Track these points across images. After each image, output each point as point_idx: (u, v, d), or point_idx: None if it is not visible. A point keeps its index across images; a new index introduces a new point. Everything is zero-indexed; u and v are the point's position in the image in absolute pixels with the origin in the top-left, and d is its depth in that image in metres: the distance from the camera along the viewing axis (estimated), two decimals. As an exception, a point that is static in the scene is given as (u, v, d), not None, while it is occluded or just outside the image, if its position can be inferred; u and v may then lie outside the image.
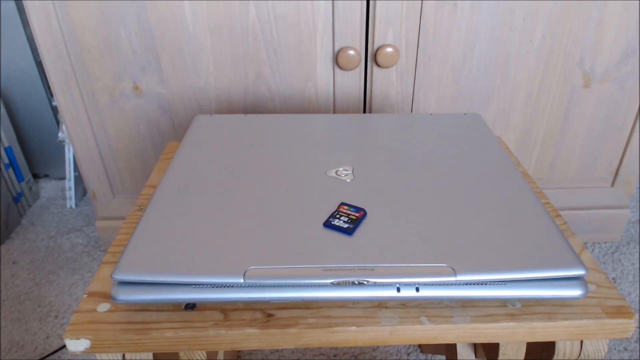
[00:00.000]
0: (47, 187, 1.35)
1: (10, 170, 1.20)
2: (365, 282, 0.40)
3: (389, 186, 0.51)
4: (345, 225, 0.45)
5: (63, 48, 0.83)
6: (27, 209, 1.25)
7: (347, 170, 0.54)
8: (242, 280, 0.40)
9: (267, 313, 0.42)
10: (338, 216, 0.46)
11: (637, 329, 0.87)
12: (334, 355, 0.84)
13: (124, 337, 0.41)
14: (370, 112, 0.91)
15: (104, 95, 0.88)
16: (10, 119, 1.26)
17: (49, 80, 0.86)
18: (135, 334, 0.41)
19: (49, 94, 1.25)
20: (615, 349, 0.85)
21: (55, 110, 1.28)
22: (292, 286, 0.41)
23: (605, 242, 1.09)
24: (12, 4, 1.13)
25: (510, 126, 0.94)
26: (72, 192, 1.26)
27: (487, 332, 0.42)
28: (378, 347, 0.86)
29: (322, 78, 0.87)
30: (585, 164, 0.99)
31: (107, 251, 0.50)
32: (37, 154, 1.34)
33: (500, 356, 0.52)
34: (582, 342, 0.45)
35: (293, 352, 0.85)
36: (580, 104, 0.92)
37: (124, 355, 0.44)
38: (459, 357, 0.72)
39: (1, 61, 1.19)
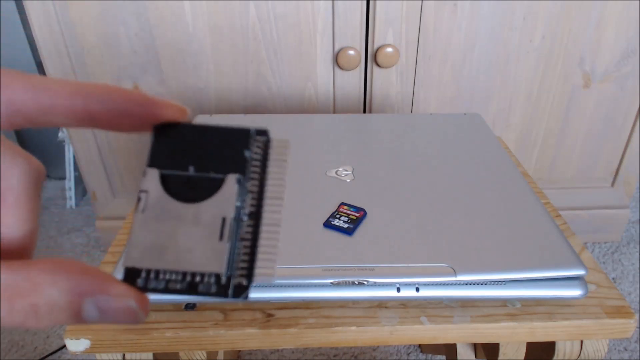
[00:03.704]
0: (47, 187, 1.35)
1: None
2: (365, 282, 0.40)
3: (389, 186, 0.51)
4: (345, 225, 0.45)
5: (63, 48, 0.83)
6: (27, 209, 1.25)
7: (347, 170, 0.54)
8: (242, 280, 0.40)
9: (267, 313, 0.42)
10: (338, 216, 0.46)
11: (637, 329, 0.87)
12: (334, 355, 0.84)
13: (124, 337, 0.41)
14: (370, 112, 0.91)
15: (104, 95, 0.88)
16: (10, 119, 1.26)
17: (49, 80, 0.86)
18: (135, 334, 0.41)
19: (49, 94, 1.25)
20: (615, 349, 0.85)
21: (55, 110, 1.28)
22: (292, 286, 0.41)
23: (605, 242, 1.09)
24: (12, 4, 1.13)
25: (510, 126, 0.94)
26: (72, 192, 1.25)
27: (487, 332, 0.42)
28: (378, 347, 0.86)
29: (322, 78, 0.87)
30: (585, 164, 0.99)
31: (107, 251, 0.50)
32: (37, 154, 1.34)
33: (500, 356, 0.52)
34: (582, 342, 0.45)
35: (293, 352, 0.85)
36: (580, 104, 0.92)
37: (124, 355, 0.44)
38: (459, 357, 0.72)
39: (1, 61, 1.19)
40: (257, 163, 0.19)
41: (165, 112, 0.19)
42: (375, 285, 0.40)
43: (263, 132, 0.19)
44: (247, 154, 0.19)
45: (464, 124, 0.65)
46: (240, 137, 0.19)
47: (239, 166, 0.19)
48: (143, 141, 0.93)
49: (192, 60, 0.85)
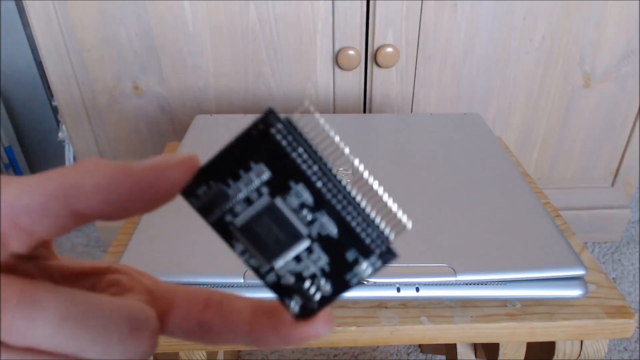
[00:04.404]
0: (47, 187, 1.35)
1: (10, 170, 1.20)
2: (365, 282, 0.40)
3: (389, 186, 0.51)
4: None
5: (63, 48, 0.83)
6: (27, 209, 1.25)
7: (347, 171, 0.54)
8: (242, 281, 0.40)
9: (267, 313, 0.42)
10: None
11: (637, 329, 0.87)
12: (334, 356, 0.84)
13: (124, 337, 0.41)
14: (370, 112, 0.91)
15: (104, 95, 0.88)
16: (10, 119, 1.26)
17: (49, 80, 0.86)
18: (135, 334, 0.41)
19: (49, 94, 1.25)
20: (615, 349, 0.85)
21: (55, 110, 1.28)
22: (292, 286, 0.40)
23: (605, 242, 1.09)
24: (12, 4, 1.13)
25: (510, 126, 0.94)
26: (72, 192, 1.25)
27: (487, 332, 0.42)
28: (378, 347, 0.86)
29: (322, 78, 0.87)
30: (585, 164, 0.99)
31: (107, 251, 0.50)
32: (37, 154, 1.34)
33: (500, 356, 0.52)
34: (582, 342, 0.45)
35: (293, 352, 0.85)
36: (580, 104, 0.92)
37: (124, 355, 0.43)
38: (459, 357, 0.72)
39: (1, 61, 1.19)
40: (288, 149, 0.16)
41: (171, 177, 0.16)
42: (375, 285, 0.40)
43: (264, 121, 0.16)
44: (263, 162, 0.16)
45: (464, 124, 0.65)
46: (248, 144, 0.16)
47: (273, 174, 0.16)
48: (143, 141, 0.93)
49: (192, 60, 0.85)
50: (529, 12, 0.82)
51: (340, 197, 0.16)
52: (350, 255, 0.17)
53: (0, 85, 1.22)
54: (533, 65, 0.87)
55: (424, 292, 0.41)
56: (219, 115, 0.68)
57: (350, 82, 0.87)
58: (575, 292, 0.41)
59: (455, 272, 0.40)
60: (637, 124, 0.94)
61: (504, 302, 0.43)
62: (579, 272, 0.40)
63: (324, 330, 0.17)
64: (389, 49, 0.83)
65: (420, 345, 0.86)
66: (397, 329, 0.41)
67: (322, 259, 0.17)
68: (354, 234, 0.16)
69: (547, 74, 0.88)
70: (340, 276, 0.17)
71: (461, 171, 0.54)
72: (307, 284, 0.17)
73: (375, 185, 0.16)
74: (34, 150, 1.33)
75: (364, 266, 0.17)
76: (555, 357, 0.46)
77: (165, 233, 0.45)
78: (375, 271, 0.17)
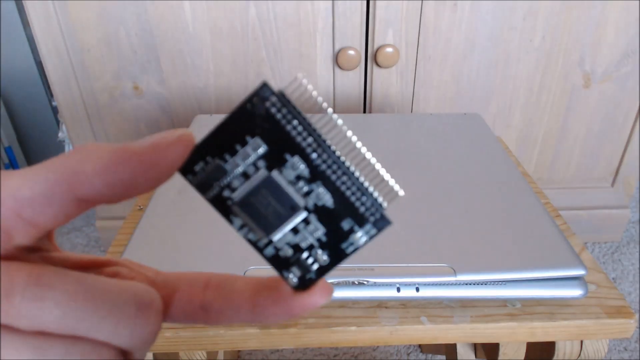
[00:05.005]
0: (47, 187, 1.35)
1: (11, 170, 1.20)
2: (365, 282, 0.40)
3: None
4: (345, 225, 0.45)
5: (63, 48, 0.83)
6: (27, 209, 1.25)
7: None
8: (242, 280, 0.40)
9: (267, 313, 0.42)
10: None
11: (637, 329, 0.87)
12: (334, 356, 0.84)
13: (124, 337, 0.41)
14: (370, 112, 0.91)
15: (104, 95, 0.88)
16: (10, 119, 1.26)
17: (49, 80, 0.86)
18: (135, 334, 0.41)
19: (49, 94, 1.25)
20: (615, 349, 0.85)
21: (55, 110, 1.28)
22: (292, 286, 0.40)
23: (605, 242, 1.09)
24: (12, 4, 1.13)
25: (510, 126, 0.94)
26: (72, 192, 1.25)
27: (487, 332, 0.42)
28: (378, 347, 0.86)
29: (322, 78, 0.87)
30: (585, 164, 0.99)
31: (107, 251, 0.50)
32: (37, 154, 1.34)
33: (500, 356, 0.52)
34: (582, 342, 0.45)
35: (293, 352, 0.85)
36: (580, 104, 0.92)
37: (124, 355, 0.43)
38: (459, 357, 0.72)
39: (1, 61, 1.19)
40: (283, 121, 0.16)
41: (171, 154, 0.16)
42: (375, 285, 0.40)
43: (258, 95, 0.16)
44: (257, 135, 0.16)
45: (464, 124, 0.65)
46: (243, 119, 0.16)
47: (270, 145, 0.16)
48: (143, 141, 0.93)
49: (192, 60, 0.85)
50: (529, 12, 0.82)
51: (334, 167, 0.17)
52: (346, 224, 0.17)
53: (0, 85, 1.22)
54: (533, 65, 0.87)
55: (424, 292, 0.41)
56: (219, 115, 0.68)
57: (350, 82, 0.87)
58: (575, 292, 0.41)
59: (455, 272, 0.40)
60: (637, 124, 0.94)
61: (504, 302, 0.43)
62: (579, 272, 0.40)
63: (322, 300, 0.18)
64: (389, 49, 0.83)
65: (420, 345, 0.86)
66: (397, 329, 0.41)
67: (318, 230, 0.17)
68: (349, 203, 0.17)
69: (547, 74, 0.88)
70: (337, 246, 0.17)
71: (461, 171, 0.54)
72: (304, 255, 0.17)
73: (368, 155, 0.17)
74: (34, 150, 1.33)
75: (359, 234, 0.17)
76: (555, 357, 0.46)
77: (165, 233, 0.45)
78: (370, 239, 0.17)
